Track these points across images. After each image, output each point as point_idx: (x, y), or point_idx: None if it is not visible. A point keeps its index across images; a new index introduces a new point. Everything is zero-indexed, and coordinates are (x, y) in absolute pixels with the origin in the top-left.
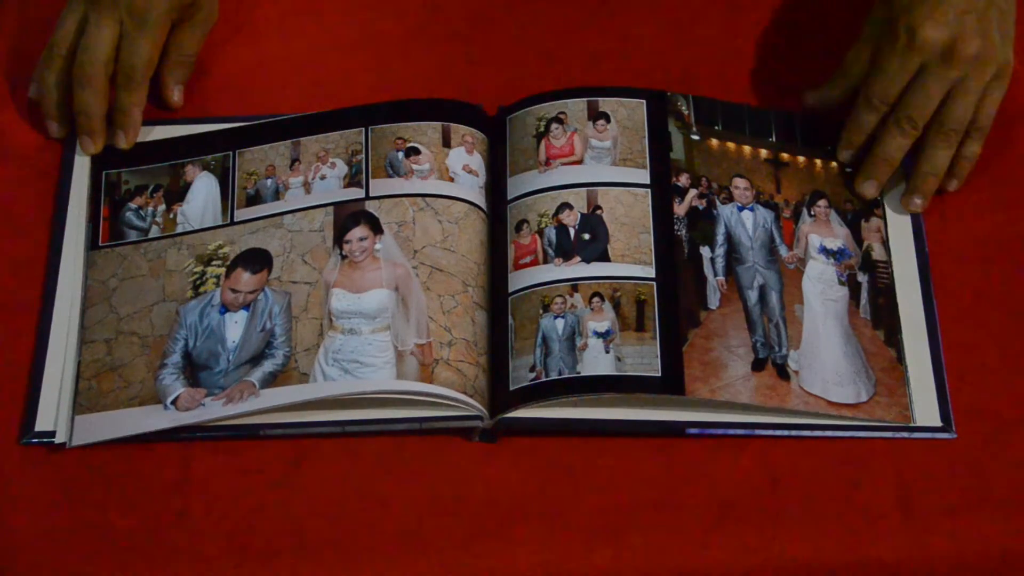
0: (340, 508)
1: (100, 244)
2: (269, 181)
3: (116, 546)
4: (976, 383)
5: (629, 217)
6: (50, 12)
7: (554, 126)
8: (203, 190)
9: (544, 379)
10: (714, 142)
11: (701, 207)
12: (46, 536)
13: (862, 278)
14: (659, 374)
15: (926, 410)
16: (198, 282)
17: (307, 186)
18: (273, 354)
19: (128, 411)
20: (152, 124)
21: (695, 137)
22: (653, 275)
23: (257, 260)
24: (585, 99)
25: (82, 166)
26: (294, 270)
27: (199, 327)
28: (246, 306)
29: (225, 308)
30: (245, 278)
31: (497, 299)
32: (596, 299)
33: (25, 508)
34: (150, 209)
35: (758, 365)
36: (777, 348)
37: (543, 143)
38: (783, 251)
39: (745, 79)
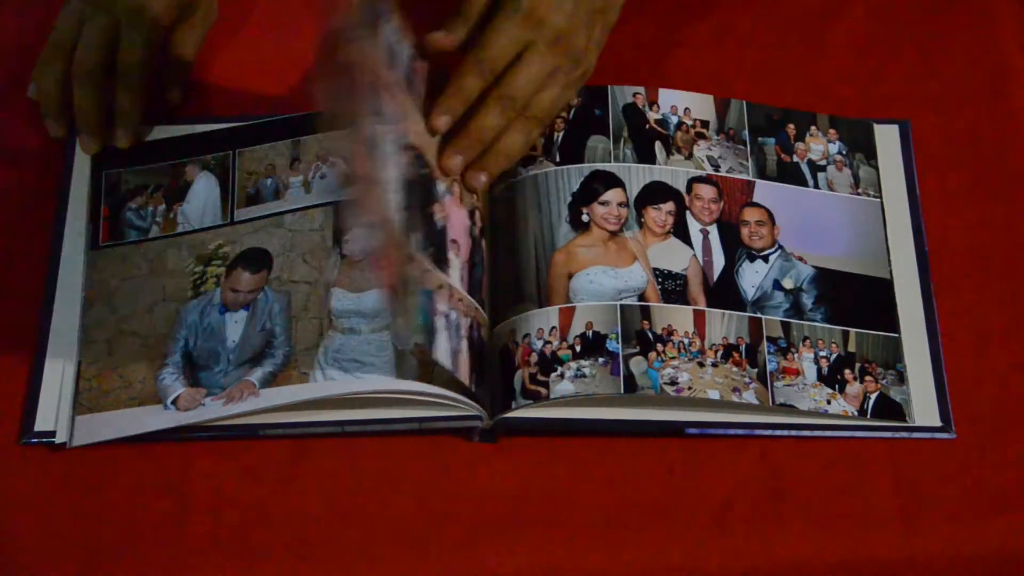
0: (340, 508)
1: (100, 244)
2: (269, 180)
3: (116, 546)
4: (976, 383)
5: None
6: (50, 12)
7: None
8: (203, 190)
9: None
10: None
11: None
12: (46, 536)
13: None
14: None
15: (926, 410)
16: (198, 282)
17: (307, 185)
18: (273, 354)
19: (128, 411)
20: (152, 124)
21: None
22: None
23: (257, 260)
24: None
25: (82, 166)
26: (294, 269)
27: (199, 327)
28: (246, 306)
29: (225, 308)
30: (245, 278)
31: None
32: None
33: (25, 508)
34: (150, 209)
35: None
36: None
37: None
38: None
39: (746, 78)
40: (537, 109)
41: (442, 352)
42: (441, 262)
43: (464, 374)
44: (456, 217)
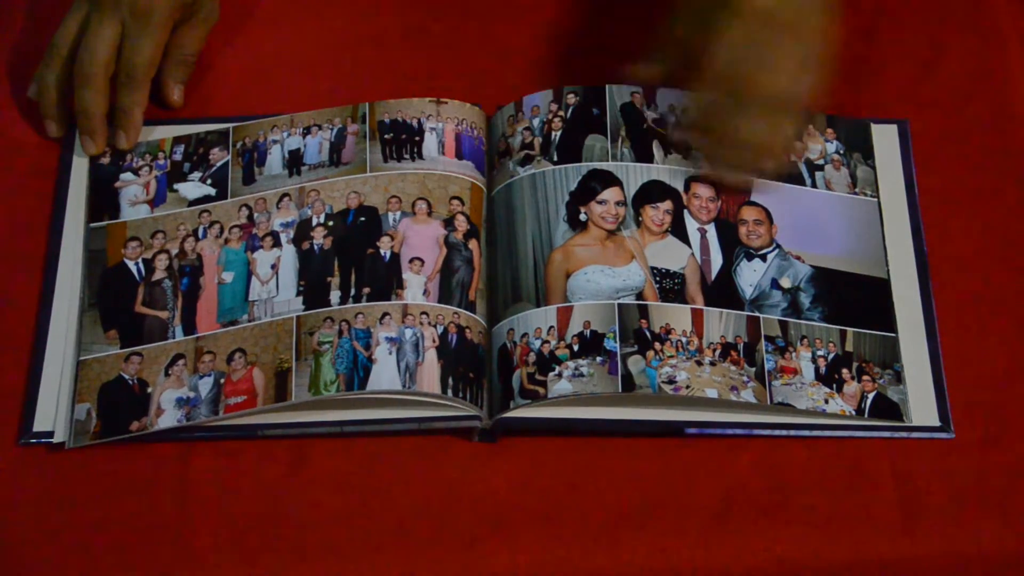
0: (340, 508)
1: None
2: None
3: (116, 546)
4: (974, 383)
5: None
6: (53, 13)
7: None
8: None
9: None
10: None
11: None
12: (46, 536)
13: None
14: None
15: (925, 410)
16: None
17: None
18: None
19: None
20: (152, 124)
21: None
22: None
23: None
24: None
25: (81, 166)
26: None
27: None
28: None
29: None
30: None
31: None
32: None
33: (24, 508)
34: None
35: None
36: None
37: None
38: None
39: None
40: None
41: (386, 379)
42: (389, 290)
43: (430, 383)
44: (419, 234)
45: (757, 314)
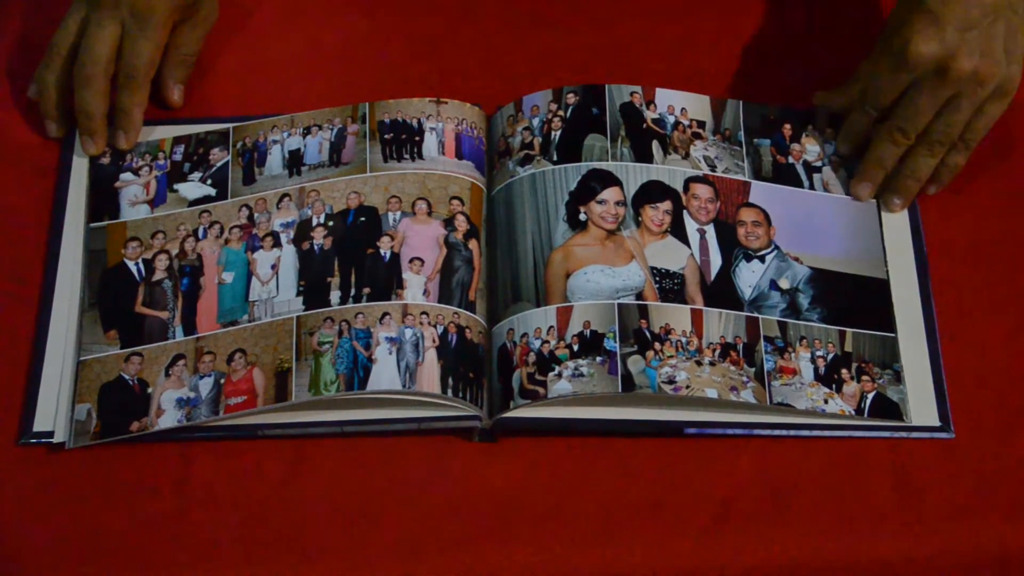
0: (340, 508)
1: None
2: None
3: (116, 546)
4: (975, 383)
5: None
6: (53, 13)
7: None
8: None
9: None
10: None
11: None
12: (45, 536)
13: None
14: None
15: (925, 410)
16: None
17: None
18: None
19: None
20: (152, 124)
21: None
22: None
23: None
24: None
25: (81, 166)
26: None
27: None
28: None
29: None
30: None
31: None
32: None
33: (24, 508)
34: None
35: None
36: None
37: None
38: None
39: (744, 78)
40: (939, 134)
41: (386, 379)
42: (389, 290)
43: (430, 383)
44: (419, 234)
45: (756, 315)
